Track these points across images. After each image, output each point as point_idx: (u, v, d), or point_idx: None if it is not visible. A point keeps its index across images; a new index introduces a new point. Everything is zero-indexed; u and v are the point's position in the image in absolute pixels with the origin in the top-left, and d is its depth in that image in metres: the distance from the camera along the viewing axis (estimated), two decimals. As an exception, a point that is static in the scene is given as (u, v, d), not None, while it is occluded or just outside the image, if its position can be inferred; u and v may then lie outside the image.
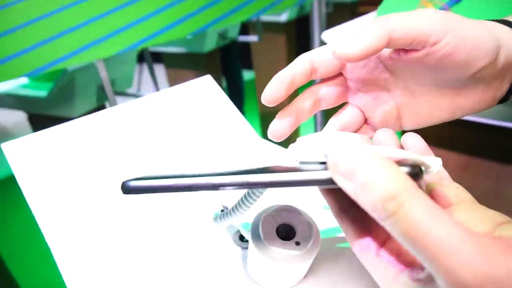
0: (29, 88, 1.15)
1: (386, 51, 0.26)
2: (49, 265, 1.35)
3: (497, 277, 0.14)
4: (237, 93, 2.22)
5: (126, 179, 0.19)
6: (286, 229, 0.31)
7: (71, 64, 0.67)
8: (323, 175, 0.19)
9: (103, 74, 0.84)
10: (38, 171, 0.48)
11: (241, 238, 0.38)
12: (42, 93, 1.11)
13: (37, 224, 0.40)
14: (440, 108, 0.27)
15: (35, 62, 0.64)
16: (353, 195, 0.18)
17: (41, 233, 0.39)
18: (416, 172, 0.20)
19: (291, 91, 0.26)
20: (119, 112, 0.57)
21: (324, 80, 0.29)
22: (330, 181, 0.19)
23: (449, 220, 0.15)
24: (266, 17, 2.14)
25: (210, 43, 1.69)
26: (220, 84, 1.93)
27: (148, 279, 0.34)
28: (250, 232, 0.31)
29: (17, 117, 2.16)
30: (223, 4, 0.89)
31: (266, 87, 0.26)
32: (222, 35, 1.73)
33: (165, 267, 0.35)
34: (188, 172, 0.20)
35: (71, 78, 1.09)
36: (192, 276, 0.34)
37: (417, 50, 0.24)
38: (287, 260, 0.29)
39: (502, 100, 0.28)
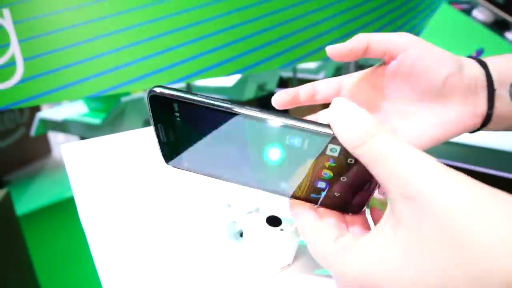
0: (87, 116, 1.33)
1: (375, 72, 0.32)
2: None
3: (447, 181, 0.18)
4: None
5: (155, 85, 0.25)
6: (274, 220, 0.38)
7: (124, 91, 0.80)
8: (322, 125, 0.23)
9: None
10: (88, 172, 0.57)
11: (241, 235, 0.44)
12: (97, 121, 1.27)
13: (77, 252, 0.46)
14: (430, 123, 0.31)
15: (96, 87, 0.78)
16: (339, 135, 0.22)
17: (79, 263, 0.44)
18: None
19: (295, 102, 0.33)
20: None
21: (325, 105, 0.34)
22: (328, 129, 0.23)
23: (412, 147, 0.20)
24: (304, 75, 2.29)
25: (249, 93, 1.83)
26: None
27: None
28: (246, 221, 0.37)
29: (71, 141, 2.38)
30: (261, 51, 1.02)
31: (276, 93, 0.33)
32: (260, 87, 1.88)
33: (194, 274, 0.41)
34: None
35: (122, 110, 1.25)
36: (201, 263, 0.40)
37: (393, 59, 0.30)
38: (272, 242, 0.36)
39: (488, 118, 0.31)
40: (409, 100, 0.32)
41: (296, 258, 0.39)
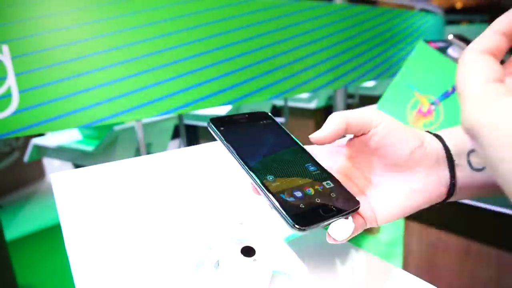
0: (81, 143, 1.35)
1: (346, 143, 0.35)
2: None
3: None
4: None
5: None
6: (248, 250, 0.40)
7: (119, 121, 0.83)
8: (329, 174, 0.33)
9: (140, 135, 0.99)
10: (77, 203, 0.59)
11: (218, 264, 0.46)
12: (90, 148, 1.29)
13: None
14: (398, 193, 0.33)
15: (89, 118, 0.81)
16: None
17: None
18: None
19: None
20: (165, 157, 0.70)
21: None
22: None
23: None
24: (297, 104, 2.35)
25: (242, 121, 1.85)
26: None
27: None
28: (221, 250, 0.39)
29: (65, 169, 2.39)
30: (251, 84, 1.07)
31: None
32: (253, 115, 1.91)
33: None
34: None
35: (115, 138, 1.27)
36: None
37: (365, 134, 0.33)
38: (245, 271, 0.37)
39: (452, 187, 0.33)
40: (378, 170, 0.34)
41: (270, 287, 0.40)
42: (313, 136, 0.32)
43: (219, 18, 1.00)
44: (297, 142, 0.35)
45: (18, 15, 0.71)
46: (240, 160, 0.31)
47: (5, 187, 2.39)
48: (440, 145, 0.34)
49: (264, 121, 0.37)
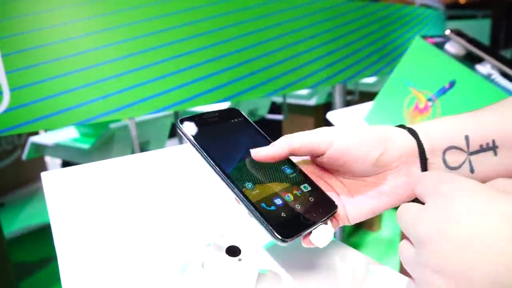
0: (77, 141, 1.35)
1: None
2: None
3: None
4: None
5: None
6: (233, 250, 0.39)
7: (113, 119, 0.82)
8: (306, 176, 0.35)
9: (133, 133, 0.98)
10: (68, 202, 0.58)
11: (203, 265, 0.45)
12: (86, 146, 1.29)
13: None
14: (367, 195, 0.33)
15: (83, 116, 0.80)
16: None
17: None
18: None
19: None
20: (153, 156, 0.69)
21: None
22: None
23: None
24: (296, 101, 2.33)
25: (240, 118, 1.85)
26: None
27: None
28: (206, 251, 0.39)
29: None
30: (247, 80, 1.06)
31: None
32: (252, 112, 1.91)
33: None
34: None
35: (112, 136, 1.27)
36: None
37: (321, 155, 0.33)
38: (230, 271, 0.37)
39: None
40: (346, 176, 0.35)
41: (256, 287, 0.40)
42: (253, 152, 0.32)
43: (215, 13, 0.99)
44: (270, 142, 0.35)
45: (8, 12, 0.70)
46: (217, 168, 0.30)
47: (7, 185, 2.40)
48: (413, 141, 0.33)
49: (236, 119, 0.36)
